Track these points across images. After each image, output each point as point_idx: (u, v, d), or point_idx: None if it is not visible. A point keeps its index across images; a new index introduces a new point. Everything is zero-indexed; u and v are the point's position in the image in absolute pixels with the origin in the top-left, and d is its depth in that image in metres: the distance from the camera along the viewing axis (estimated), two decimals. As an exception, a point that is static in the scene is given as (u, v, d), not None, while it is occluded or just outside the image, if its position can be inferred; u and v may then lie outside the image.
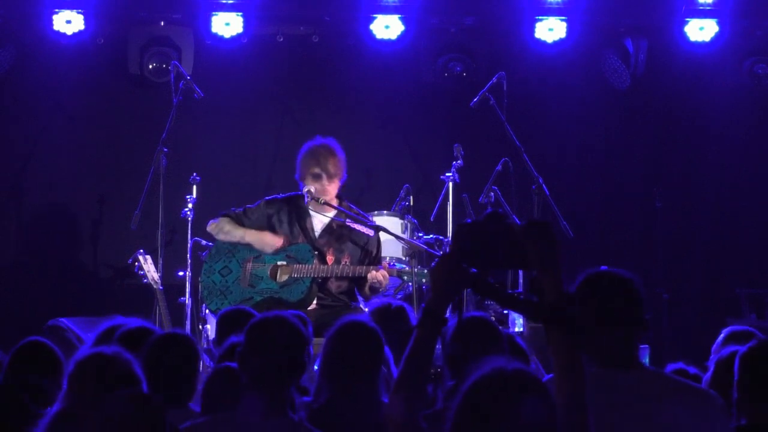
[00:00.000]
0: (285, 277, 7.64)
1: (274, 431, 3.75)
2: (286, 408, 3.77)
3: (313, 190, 7.63)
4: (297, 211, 7.77)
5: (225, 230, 7.76)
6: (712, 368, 4.56)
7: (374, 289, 7.56)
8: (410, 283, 7.98)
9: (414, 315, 5.88)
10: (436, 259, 2.97)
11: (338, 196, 7.77)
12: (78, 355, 3.88)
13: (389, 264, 7.80)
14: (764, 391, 3.78)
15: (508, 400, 2.55)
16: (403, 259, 7.96)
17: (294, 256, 7.61)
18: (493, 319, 7.27)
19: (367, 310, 7.77)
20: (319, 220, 7.78)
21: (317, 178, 7.63)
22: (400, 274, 7.56)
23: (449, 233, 8.49)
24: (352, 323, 4.28)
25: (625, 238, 10.46)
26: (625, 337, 3.52)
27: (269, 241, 7.69)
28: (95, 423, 3.26)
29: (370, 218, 7.89)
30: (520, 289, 8.22)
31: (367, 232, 7.70)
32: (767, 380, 3.85)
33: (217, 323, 5.46)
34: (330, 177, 7.62)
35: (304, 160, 7.71)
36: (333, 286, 7.67)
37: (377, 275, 7.41)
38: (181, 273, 8.34)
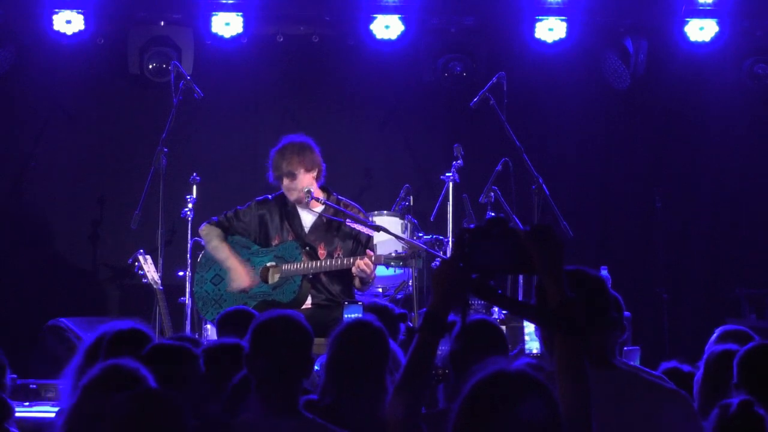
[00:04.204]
0: (276, 278, 7.65)
1: (289, 430, 3.75)
2: (297, 406, 3.78)
3: (312, 190, 7.64)
4: (286, 210, 7.79)
5: (212, 245, 7.80)
6: (702, 366, 4.55)
7: (363, 280, 7.56)
8: (411, 284, 7.97)
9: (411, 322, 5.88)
10: (437, 260, 2.97)
11: (326, 189, 7.77)
12: (95, 369, 3.79)
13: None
14: (764, 392, 3.78)
15: (509, 401, 2.54)
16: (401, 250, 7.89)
17: (281, 256, 7.62)
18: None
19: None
20: (308, 216, 7.79)
21: (280, 179, 7.69)
22: (387, 261, 7.52)
23: (449, 233, 8.48)
24: (357, 323, 4.29)
25: (625, 238, 10.46)
26: (599, 338, 3.54)
27: (240, 280, 7.66)
28: (108, 421, 3.23)
29: (365, 213, 7.88)
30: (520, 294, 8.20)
31: (367, 233, 7.69)
32: (766, 382, 3.86)
33: (216, 325, 5.45)
34: (290, 175, 7.62)
35: (272, 164, 7.77)
36: (328, 282, 7.66)
37: (360, 264, 7.40)
38: (181, 273, 8.33)
